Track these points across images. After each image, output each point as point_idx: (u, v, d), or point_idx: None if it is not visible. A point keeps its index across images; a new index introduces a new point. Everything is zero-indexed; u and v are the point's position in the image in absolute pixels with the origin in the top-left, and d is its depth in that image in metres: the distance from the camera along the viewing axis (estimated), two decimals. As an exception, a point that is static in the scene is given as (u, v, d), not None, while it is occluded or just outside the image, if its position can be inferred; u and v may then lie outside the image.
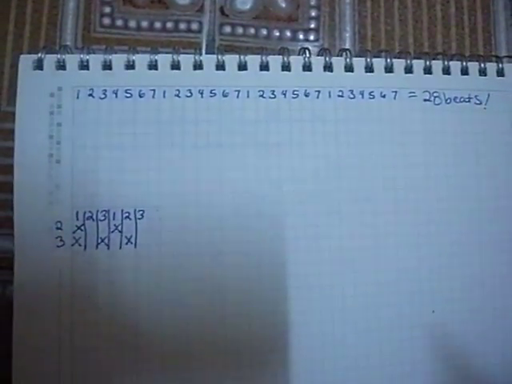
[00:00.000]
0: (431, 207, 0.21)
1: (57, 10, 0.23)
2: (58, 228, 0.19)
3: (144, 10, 0.23)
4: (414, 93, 0.21)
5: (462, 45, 0.24)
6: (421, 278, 0.21)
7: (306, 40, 0.23)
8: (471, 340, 0.21)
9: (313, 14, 0.24)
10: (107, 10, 0.23)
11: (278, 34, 0.23)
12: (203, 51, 0.22)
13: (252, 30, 0.23)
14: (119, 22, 0.23)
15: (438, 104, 0.22)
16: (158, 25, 0.23)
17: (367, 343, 0.20)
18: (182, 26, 0.23)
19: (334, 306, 0.20)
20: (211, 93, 0.20)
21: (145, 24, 0.23)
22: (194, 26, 0.23)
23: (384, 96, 0.21)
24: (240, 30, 0.23)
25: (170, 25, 0.23)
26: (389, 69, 0.21)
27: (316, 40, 0.23)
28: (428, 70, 0.22)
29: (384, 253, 0.21)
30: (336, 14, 0.24)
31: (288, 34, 0.24)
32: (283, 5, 0.24)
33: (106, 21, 0.23)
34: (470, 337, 0.21)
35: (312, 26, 0.24)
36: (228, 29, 0.23)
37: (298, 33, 0.24)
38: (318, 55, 0.22)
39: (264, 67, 0.21)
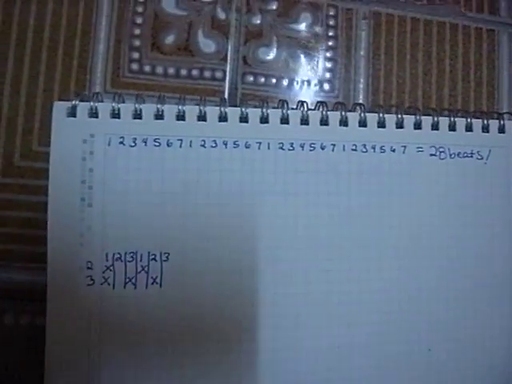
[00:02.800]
0: (433, 254, 0.23)
1: (87, 53, 0.24)
2: (88, 268, 0.21)
3: (171, 57, 0.24)
4: (421, 148, 0.23)
5: (467, 98, 0.26)
6: (419, 319, 0.23)
7: (322, 91, 0.25)
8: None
9: (329, 65, 0.25)
10: (135, 55, 0.24)
11: (295, 84, 0.25)
12: (226, 100, 0.24)
13: (273, 80, 0.25)
14: (147, 68, 0.24)
15: (443, 159, 0.23)
16: (183, 72, 0.24)
17: None
18: (207, 73, 0.24)
19: (341, 342, 0.22)
20: (234, 144, 0.22)
21: (171, 71, 0.24)
22: (218, 75, 0.24)
23: (394, 150, 0.23)
24: (262, 80, 0.25)
25: (195, 72, 0.24)
26: (399, 124, 0.23)
27: (331, 91, 0.25)
28: (435, 126, 0.23)
29: (387, 296, 0.22)
30: (351, 66, 0.25)
31: (304, 84, 0.25)
32: (302, 56, 0.25)
33: (135, 66, 0.24)
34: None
35: (327, 76, 0.25)
36: (250, 78, 0.25)
37: (313, 83, 0.25)
38: (333, 109, 0.23)
39: (284, 121, 0.22)
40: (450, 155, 0.23)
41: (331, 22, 0.25)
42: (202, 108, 0.22)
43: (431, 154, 0.23)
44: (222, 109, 0.22)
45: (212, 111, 0.22)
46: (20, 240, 0.22)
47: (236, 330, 0.21)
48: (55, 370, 0.20)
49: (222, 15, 0.25)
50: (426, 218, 0.23)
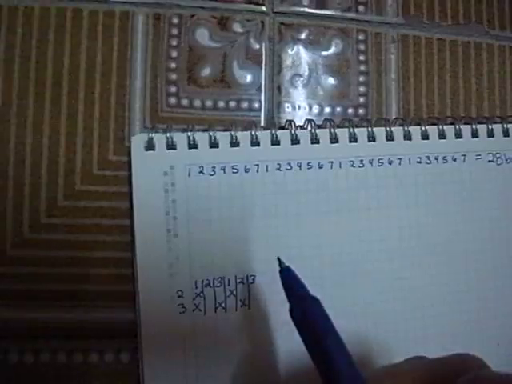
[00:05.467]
0: (497, 254, 0.24)
1: (124, 89, 0.24)
2: (179, 296, 0.21)
3: (208, 90, 0.24)
4: (479, 155, 0.24)
5: (493, 112, 0.27)
6: (490, 316, 0.24)
7: (356, 115, 0.25)
8: None
9: (362, 90, 0.26)
10: (173, 89, 0.24)
11: (329, 109, 0.25)
12: (295, 124, 0.24)
13: (307, 108, 0.25)
14: (185, 102, 0.24)
15: (500, 164, 0.25)
16: (221, 103, 0.24)
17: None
18: (243, 104, 0.24)
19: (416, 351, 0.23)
20: (308, 165, 0.23)
21: (209, 103, 0.24)
22: (255, 105, 0.24)
23: (455, 160, 0.24)
24: (296, 107, 0.25)
25: (232, 103, 0.24)
26: (458, 134, 0.24)
27: (365, 115, 0.25)
28: (490, 134, 0.25)
29: (463, 297, 0.24)
30: (383, 89, 0.26)
31: (339, 109, 0.25)
32: (335, 82, 0.25)
33: (172, 100, 0.24)
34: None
35: (361, 101, 0.25)
36: (286, 106, 0.25)
37: (348, 109, 0.25)
38: (397, 125, 0.24)
39: (353, 139, 0.23)
40: (506, 160, 0.25)
41: (361, 47, 0.26)
42: (274, 132, 0.22)
43: (489, 161, 0.24)
44: (293, 132, 0.23)
45: (284, 135, 0.23)
46: (105, 280, 0.23)
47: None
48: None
49: (255, 45, 0.25)
50: (488, 221, 0.24)
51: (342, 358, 0.15)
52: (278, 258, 0.19)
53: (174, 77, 0.24)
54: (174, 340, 0.21)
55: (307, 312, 0.16)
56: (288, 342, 0.22)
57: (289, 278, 0.18)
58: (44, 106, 0.23)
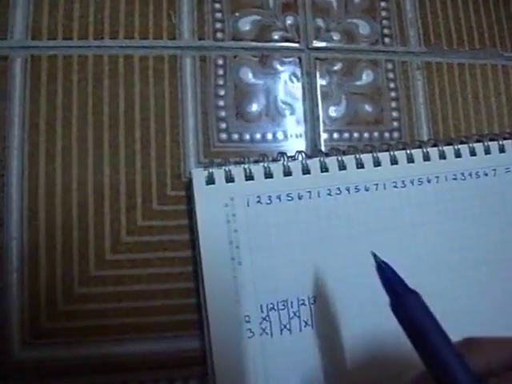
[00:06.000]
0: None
1: (177, 128, 0.25)
2: (247, 321, 0.22)
3: (255, 124, 0.26)
4: (508, 168, 0.26)
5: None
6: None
7: (391, 139, 0.27)
8: None
9: (394, 115, 0.28)
10: (223, 125, 0.26)
11: (367, 135, 0.27)
12: (342, 151, 0.25)
13: (346, 135, 0.27)
14: (235, 136, 0.26)
15: (527, 175, 0.27)
16: (269, 136, 0.26)
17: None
18: (289, 135, 0.26)
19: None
20: (356, 189, 0.24)
21: (258, 136, 0.26)
22: (299, 135, 0.26)
23: (486, 174, 0.26)
24: (336, 136, 0.27)
25: (279, 135, 0.26)
26: (487, 151, 0.26)
27: (399, 138, 0.27)
28: (516, 148, 0.27)
29: (507, 306, 0.25)
30: (413, 113, 0.28)
31: (376, 134, 0.27)
32: (370, 110, 0.27)
33: (223, 136, 0.26)
34: None
35: (395, 125, 0.27)
36: (326, 135, 0.27)
37: (384, 133, 0.27)
38: (430, 145, 0.26)
39: (394, 162, 0.25)
40: (532, 171, 0.27)
41: (390, 75, 0.28)
42: (322, 160, 0.24)
43: (517, 173, 0.26)
44: (340, 158, 0.24)
45: (332, 162, 0.24)
46: (170, 310, 0.23)
47: (380, 351, 0.23)
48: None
49: (294, 80, 0.27)
50: (521, 230, 0.26)
51: (449, 351, 0.15)
52: (373, 253, 0.19)
53: (223, 113, 0.26)
54: (245, 364, 0.22)
55: (409, 307, 0.16)
56: (352, 354, 0.23)
57: (386, 273, 0.18)
58: (103, 148, 0.24)
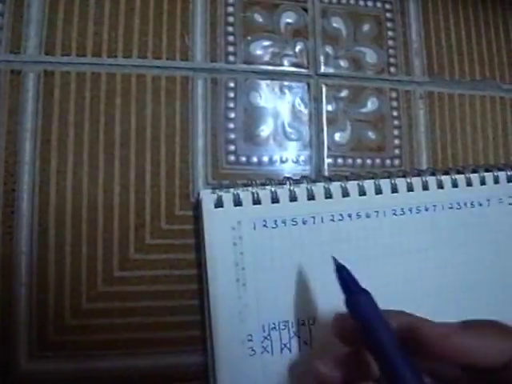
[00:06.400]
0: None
1: (187, 149, 0.26)
2: (249, 340, 0.23)
3: (262, 147, 0.27)
4: (501, 199, 0.28)
5: (508, 158, 0.30)
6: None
7: (392, 165, 0.28)
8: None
9: (396, 142, 0.29)
10: (231, 147, 0.26)
11: (370, 161, 0.28)
12: (347, 178, 0.26)
13: (350, 160, 0.28)
14: (243, 159, 0.26)
15: (519, 206, 0.28)
16: (276, 159, 0.27)
17: None
18: (295, 159, 0.27)
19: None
20: (357, 215, 0.25)
21: (265, 159, 0.26)
22: (305, 160, 0.27)
23: (481, 204, 0.27)
24: (340, 161, 0.28)
25: (285, 159, 0.27)
26: (482, 182, 0.27)
27: (400, 165, 0.28)
28: (509, 179, 0.28)
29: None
30: (414, 141, 0.29)
31: (378, 161, 0.28)
32: (373, 137, 0.28)
33: (231, 158, 0.26)
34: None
35: (396, 152, 0.28)
36: (330, 160, 0.27)
37: (385, 160, 0.28)
38: (428, 173, 0.27)
39: (394, 190, 0.26)
40: (524, 202, 0.28)
41: (394, 104, 0.29)
42: (327, 187, 0.25)
43: (510, 204, 0.28)
44: (344, 185, 0.25)
45: (336, 188, 0.25)
46: (175, 326, 0.24)
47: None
48: None
49: (302, 105, 0.27)
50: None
51: (391, 341, 0.17)
52: (333, 257, 0.21)
53: (232, 136, 0.26)
54: (246, 380, 0.23)
55: (360, 303, 0.19)
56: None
57: (344, 275, 0.20)
58: (114, 166, 0.25)
